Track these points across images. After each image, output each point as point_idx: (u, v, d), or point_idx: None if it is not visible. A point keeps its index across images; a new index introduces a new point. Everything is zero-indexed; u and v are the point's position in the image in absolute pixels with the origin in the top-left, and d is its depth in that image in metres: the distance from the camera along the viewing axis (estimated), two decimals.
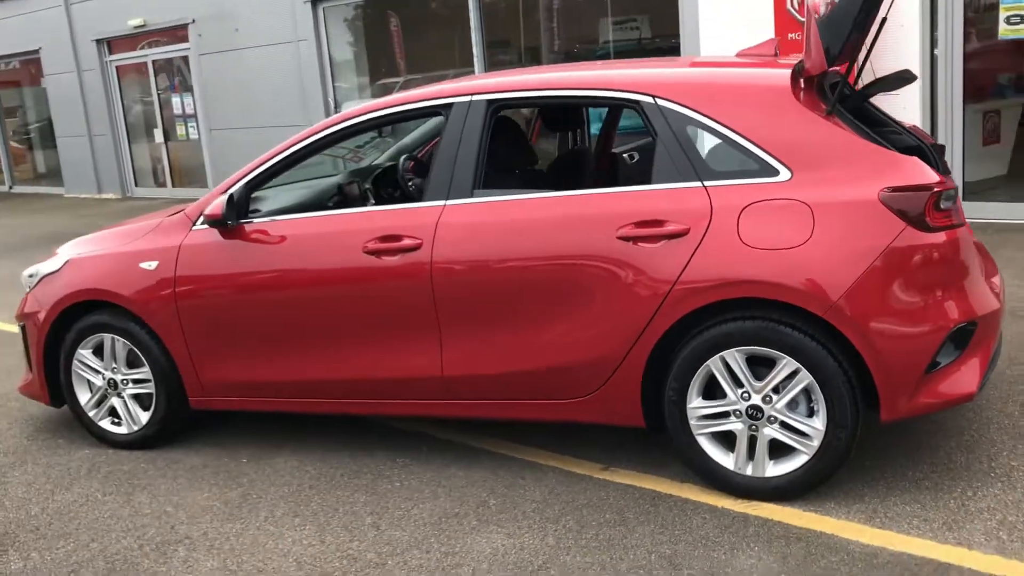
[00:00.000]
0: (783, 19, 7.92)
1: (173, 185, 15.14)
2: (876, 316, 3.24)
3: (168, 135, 14.91)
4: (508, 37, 11.60)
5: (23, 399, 5.25)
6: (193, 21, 13.56)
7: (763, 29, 8.15)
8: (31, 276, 4.68)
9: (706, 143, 3.53)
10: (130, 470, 4.28)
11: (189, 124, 14.47)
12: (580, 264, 3.55)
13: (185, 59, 14.08)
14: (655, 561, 3.15)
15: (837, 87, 3.46)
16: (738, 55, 4.27)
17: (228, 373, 4.21)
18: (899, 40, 7.58)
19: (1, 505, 4.03)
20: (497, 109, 3.85)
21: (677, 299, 3.41)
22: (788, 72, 3.53)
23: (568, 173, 4.51)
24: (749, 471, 3.50)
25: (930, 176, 3.28)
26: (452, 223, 3.75)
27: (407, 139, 5.39)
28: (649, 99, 3.59)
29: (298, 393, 4.12)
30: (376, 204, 4.58)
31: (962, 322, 3.29)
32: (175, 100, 14.60)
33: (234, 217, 4.05)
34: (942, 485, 3.50)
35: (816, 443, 3.38)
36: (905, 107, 7.67)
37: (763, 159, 3.40)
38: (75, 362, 4.51)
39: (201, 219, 4.22)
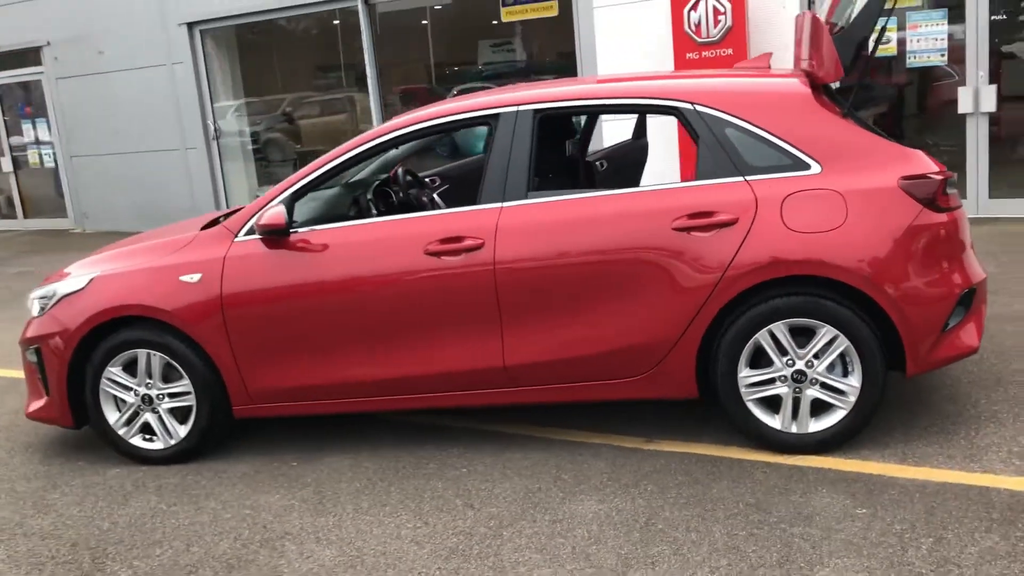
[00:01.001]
0: (681, 40, 8.60)
1: (25, 216, 14.39)
2: (903, 285, 3.81)
3: (18, 163, 14.17)
4: (397, 58, 11.87)
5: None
6: (48, 44, 13.02)
7: (662, 50, 8.84)
8: (45, 297, 4.61)
9: (742, 143, 4.00)
10: (179, 483, 4.31)
11: (44, 151, 13.82)
12: (637, 254, 3.95)
13: (38, 83, 13.46)
14: (744, 509, 3.58)
15: (852, 92, 4.03)
16: (736, 66, 4.80)
17: (280, 380, 4.33)
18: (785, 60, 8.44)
19: (64, 524, 3.99)
20: (544, 118, 4.21)
21: (731, 280, 3.87)
22: (805, 80, 4.07)
23: (603, 174, 4.89)
24: (794, 429, 3.99)
25: (935, 166, 3.90)
26: (512, 223, 4.07)
27: (390, 153, 5.61)
28: (689, 106, 4.05)
29: (357, 393, 4.30)
30: (378, 214, 4.79)
31: (966, 288, 3.92)
32: (26, 126, 13.91)
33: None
34: (946, 429, 4.12)
35: (852, 399, 3.91)
36: None
37: (795, 155, 3.92)
38: (104, 380, 4.48)
39: (245, 230, 4.33)
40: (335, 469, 4.31)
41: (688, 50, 8.60)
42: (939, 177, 3.86)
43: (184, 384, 4.43)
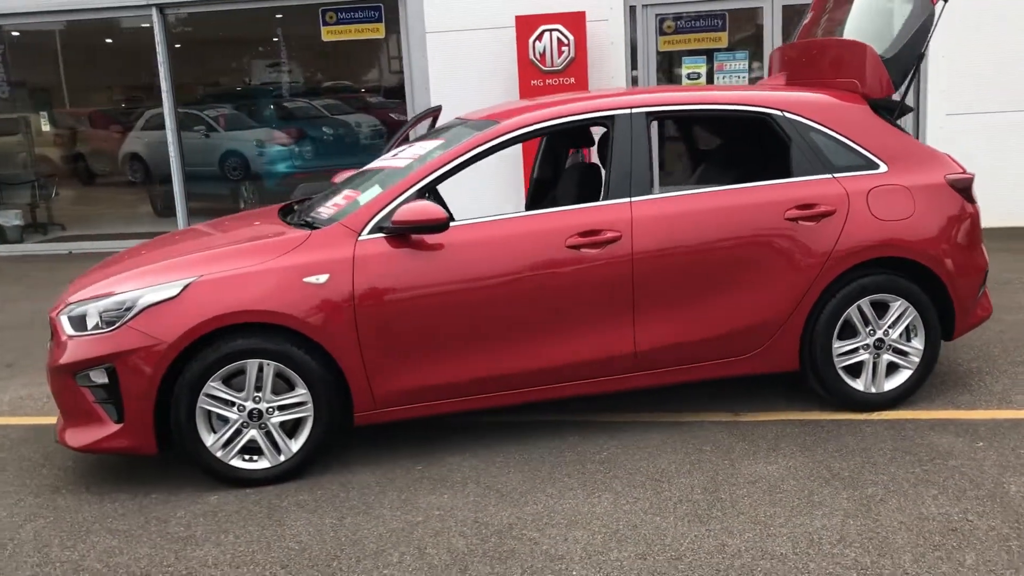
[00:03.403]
0: (526, 68, 9.15)
1: None
2: (956, 263, 4.65)
3: None
4: (193, 72, 11.19)
5: None
6: None
7: (504, 77, 9.33)
8: (112, 309, 4.05)
9: (825, 145, 4.63)
10: (313, 499, 4.03)
11: None
12: (758, 242, 4.44)
13: None
14: (893, 453, 4.18)
15: (899, 106, 4.84)
16: (759, 84, 5.44)
17: (410, 381, 4.21)
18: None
19: (239, 551, 3.60)
20: (654, 120, 4.56)
21: (834, 262, 4.49)
22: (858, 94, 4.81)
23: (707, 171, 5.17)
24: (873, 389, 4.67)
25: (963, 166, 4.82)
26: (645, 216, 4.37)
27: None
28: (780, 113, 4.62)
29: (488, 389, 4.31)
30: None
31: (986, 267, 4.87)
32: None
33: None
34: (960, 383, 5.03)
35: (916, 360, 4.68)
36: None
37: (868, 156, 4.64)
38: (203, 397, 4.06)
39: (370, 227, 4.18)
40: (473, 467, 4.27)
41: (533, 78, 9.17)
42: (970, 175, 4.77)
43: (299, 394, 4.14)
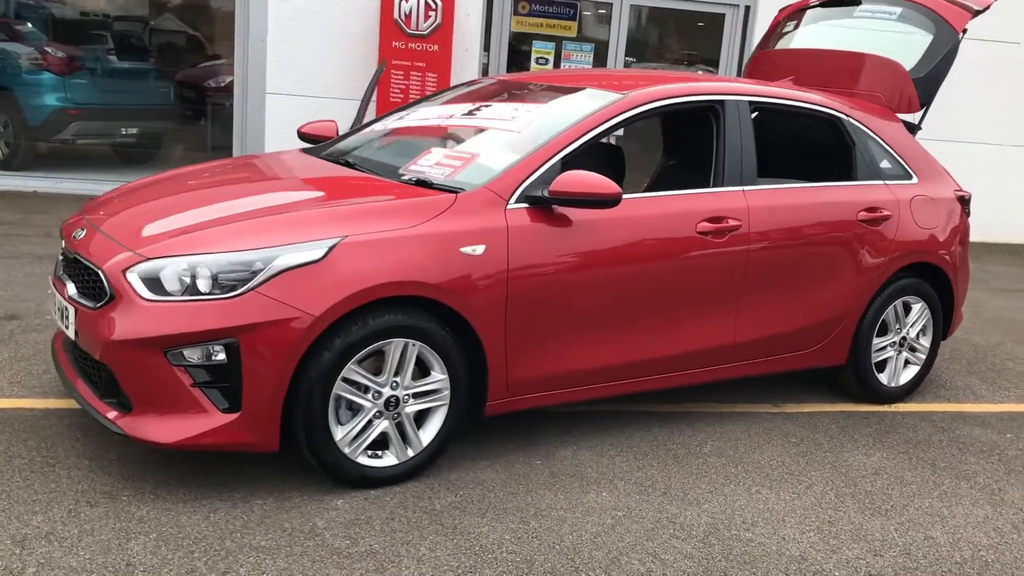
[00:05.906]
0: (389, 28, 8.59)
1: None
2: (960, 269, 5.14)
3: None
4: None
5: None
6: None
7: (360, 37, 8.70)
8: (245, 271, 3.24)
9: (876, 152, 4.89)
10: (464, 501, 3.53)
11: None
12: (840, 239, 4.59)
13: None
14: (953, 444, 4.51)
15: (918, 123, 5.22)
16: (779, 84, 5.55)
17: (544, 366, 3.84)
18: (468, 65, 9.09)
19: (455, 559, 3.07)
20: (754, 110, 4.53)
21: (889, 263, 4.76)
22: (887, 109, 5.14)
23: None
24: (893, 384, 5.03)
25: (958, 183, 5.33)
26: (758, 206, 4.34)
27: None
28: (846, 117, 4.80)
29: (618, 376, 4.06)
30: None
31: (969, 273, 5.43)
32: None
33: None
34: (930, 382, 5.55)
35: (923, 356, 5.11)
36: None
37: (905, 167, 4.98)
38: (339, 383, 3.40)
39: (516, 196, 3.74)
40: (594, 462, 3.97)
41: (395, 39, 8.65)
42: (969, 192, 5.29)
43: (437, 380, 3.60)
